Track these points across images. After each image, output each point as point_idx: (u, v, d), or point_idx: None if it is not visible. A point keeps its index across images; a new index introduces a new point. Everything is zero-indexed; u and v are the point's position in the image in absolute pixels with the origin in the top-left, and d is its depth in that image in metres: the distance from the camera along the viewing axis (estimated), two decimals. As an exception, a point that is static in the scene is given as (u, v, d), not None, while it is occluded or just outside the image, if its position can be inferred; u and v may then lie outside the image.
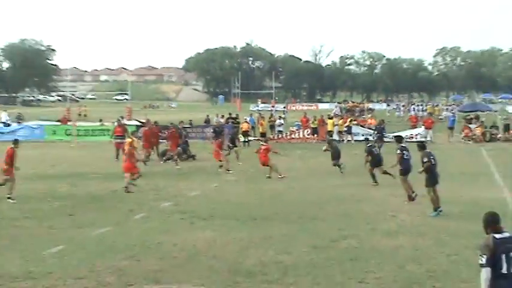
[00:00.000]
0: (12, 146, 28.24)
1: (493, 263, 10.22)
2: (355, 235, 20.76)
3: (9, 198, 27.21)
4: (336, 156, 36.77)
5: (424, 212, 24.02)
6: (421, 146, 25.29)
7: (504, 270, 10.25)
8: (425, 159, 24.25)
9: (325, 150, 38.84)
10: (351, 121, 63.42)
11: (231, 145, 43.03)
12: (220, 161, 38.21)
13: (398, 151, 26.73)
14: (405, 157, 26.50)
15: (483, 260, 10.24)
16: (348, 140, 59.31)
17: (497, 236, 10.44)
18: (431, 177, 24.15)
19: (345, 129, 60.96)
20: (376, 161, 32.41)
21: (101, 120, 69.40)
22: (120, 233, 21.20)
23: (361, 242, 19.90)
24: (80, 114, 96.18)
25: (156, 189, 30.88)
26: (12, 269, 16.71)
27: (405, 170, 26.41)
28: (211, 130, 49.54)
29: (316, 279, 15.82)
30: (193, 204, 26.74)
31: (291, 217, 23.91)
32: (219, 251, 18.65)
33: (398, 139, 28.70)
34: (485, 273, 10.22)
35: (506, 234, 10.52)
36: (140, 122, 55.79)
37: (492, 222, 10.67)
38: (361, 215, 24.33)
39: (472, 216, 19.06)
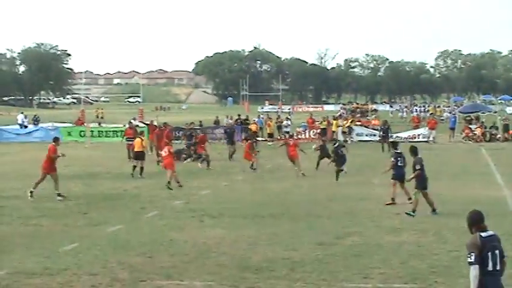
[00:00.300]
0: (53, 143, 28.46)
1: (480, 260, 10.23)
2: (360, 232, 20.77)
3: (59, 195, 27.49)
4: (325, 156, 37.28)
5: (426, 210, 23.94)
6: (414, 151, 24.57)
7: (490, 267, 10.26)
8: (418, 167, 23.80)
9: (315, 149, 39.16)
10: (351, 122, 63.25)
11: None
12: (251, 160, 38.34)
13: (392, 159, 26.25)
14: (399, 164, 25.92)
15: (472, 258, 10.22)
16: (352, 140, 59.24)
17: (483, 234, 10.42)
18: (422, 181, 23.81)
19: (346, 130, 60.80)
20: (340, 160, 34.02)
21: (100, 124, 69.50)
22: (133, 231, 21.23)
23: (366, 238, 19.90)
24: (97, 116, 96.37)
25: (167, 188, 30.88)
26: (29, 266, 16.76)
27: (397, 175, 25.86)
28: (223, 132, 49.35)
29: (322, 274, 15.82)
30: (203, 203, 26.78)
31: (297, 215, 23.92)
32: (228, 248, 18.67)
33: (394, 145, 28.18)
34: (474, 271, 10.20)
35: (490, 233, 10.52)
36: (145, 123, 55.60)
37: (477, 221, 10.63)
38: (365, 212, 24.31)
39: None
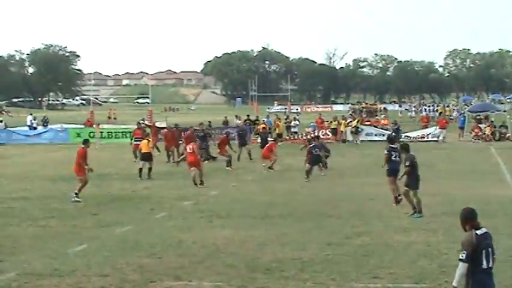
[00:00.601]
0: (83, 146, 28.42)
1: (474, 259, 10.33)
2: (369, 232, 20.72)
3: (76, 195, 27.38)
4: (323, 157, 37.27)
5: (435, 209, 23.90)
6: (405, 148, 24.48)
7: (484, 265, 10.39)
8: (407, 163, 23.55)
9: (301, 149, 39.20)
10: (357, 122, 63.02)
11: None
12: (270, 160, 38.27)
13: (386, 151, 25.90)
14: (393, 158, 25.54)
15: (463, 256, 10.32)
16: (357, 141, 58.96)
17: (478, 232, 10.51)
18: (415, 180, 23.44)
19: (353, 130, 60.45)
20: (313, 160, 34.45)
21: (98, 124, 69.48)
22: (142, 232, 21.24)
23: (375, 238, 19.86)
24: (109, 117, 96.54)
25: (176, 189, 30.93)
26: (38, 267, 16.77)
27: (391, 171, 25.46)
28: (236, 133, 49.01)
29: (331, 274, 15.80)
30: (212, 203, 26.78)
31: (306, 215, 23.89)
32: (237, 248, 18.66)
33: (390, 140, 27.73)
34: (463, 268, 10.34)
35: (484, 230, 10.62)
36: (146, 125, 55.42)
37: (471, 218, 10.69)
38: (374, 212, 24.26)
39: (482, 213, 18.94)
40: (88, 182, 28.05)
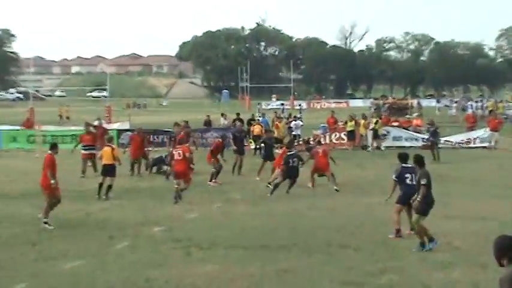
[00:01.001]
0: (50, 151, 28.27)
1: None
2: (398, 267, 20.77)
3: (45, 223, 27.46)
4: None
5: (487, 236, 23.94)
6: (419, 161, 23.92)
7: None
8: (423, 182, 23.07)
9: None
10: (376, 123, 61.27)
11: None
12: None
13: (395, 176, 25.14)
14: (408, 182, 24.70)
15: None
16: (377, 148, 58.53)
17: None
18: (428, 203, 23.17)
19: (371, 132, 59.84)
20: (289, 173, 35.61)
21: (19, 125, 69.43)
22: (98, 267, 21.25)
23: (406, 276, 19.91)
24: (61, 116, 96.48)
25: (142, 210, 30.91)
26: (-38, 314, 16.81)
27: (404, 197, 24.71)
28: (231, 136, 48.58)
29: (347, 324, 15.86)
30: (190, 230, 26.76)
31: (314, 245, 23.93)
32: (223, 289, 18.71)
33: (402, 157, 25.79)
34: None
35: None
36: (92, 125, 55.37)
37: (509, 249, 10.57)
38: (405, 241, 24.25)
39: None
40: (60, 201, 28.04)
